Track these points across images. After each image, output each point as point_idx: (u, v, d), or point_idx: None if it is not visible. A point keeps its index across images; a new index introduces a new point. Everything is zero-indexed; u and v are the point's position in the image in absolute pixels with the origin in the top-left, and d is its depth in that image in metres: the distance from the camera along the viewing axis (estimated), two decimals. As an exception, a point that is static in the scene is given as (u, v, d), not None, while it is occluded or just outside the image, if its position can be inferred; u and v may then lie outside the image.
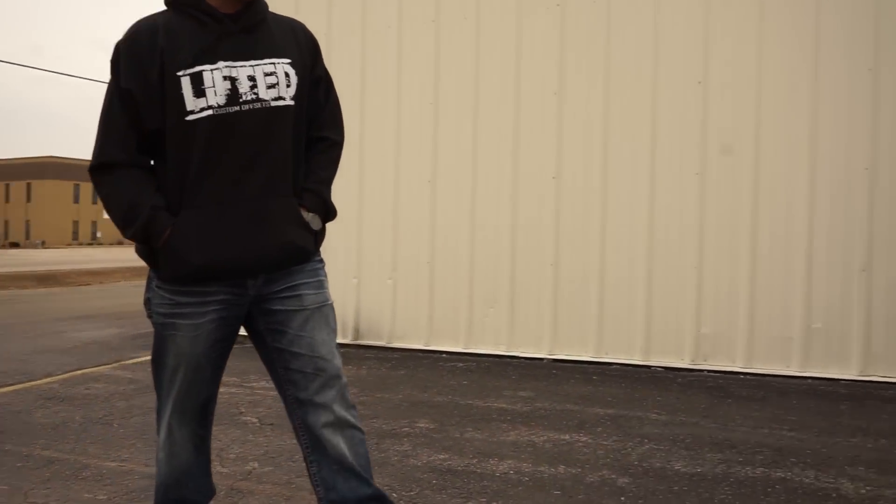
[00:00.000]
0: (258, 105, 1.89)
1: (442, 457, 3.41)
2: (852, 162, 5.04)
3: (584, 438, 3.71)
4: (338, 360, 2.02)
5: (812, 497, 2.96)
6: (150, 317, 2.00)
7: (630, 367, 5.46)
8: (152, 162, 1.94)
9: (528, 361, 5.72)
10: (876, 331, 5.02)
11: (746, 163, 5.25)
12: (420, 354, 6.02)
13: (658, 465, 3.33)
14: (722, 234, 5.32)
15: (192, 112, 1.84)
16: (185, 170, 1.87)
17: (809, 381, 5.05)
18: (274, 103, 1.91)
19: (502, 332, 5.91)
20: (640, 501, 2.89)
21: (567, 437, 3.74)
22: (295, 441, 2.08)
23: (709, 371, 5.32)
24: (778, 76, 5.17)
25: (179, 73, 1.83)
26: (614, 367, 5.49)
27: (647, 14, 5.46)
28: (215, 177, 1.88)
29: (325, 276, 2.08)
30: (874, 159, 4.99)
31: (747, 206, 5.25)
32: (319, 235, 2.07)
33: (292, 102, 1.95)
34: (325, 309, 2.03)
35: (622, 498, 2.93)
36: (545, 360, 5.72)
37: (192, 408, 2.02)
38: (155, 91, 1.85)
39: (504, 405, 4.36)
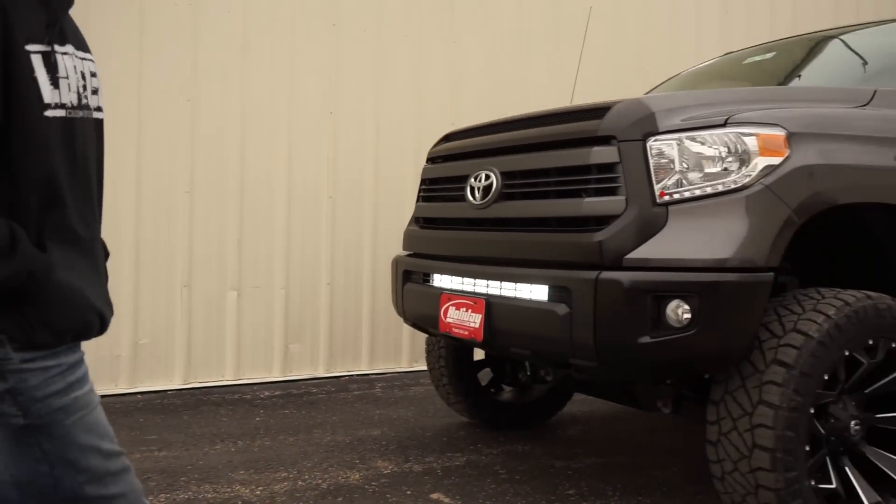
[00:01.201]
0: (87, 114, 1.39)
1: None
2: (174, 186, 5.38)
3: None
4: None
5: (223, 510, 3.18)
6: (20, 417, 1.27)
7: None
8: None
9: None
10: (195, 340, 5.49)
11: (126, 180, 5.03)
12: None
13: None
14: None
15: (48, 106, 1.26)
16: (41, 186, 1.29)
17: (140, 396, 5.18)
18: (95, 114, 1.43)
19: None
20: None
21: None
22: None
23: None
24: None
25: (30, 48, 1.22)
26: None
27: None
28: (69, 202, 1.35)
29: None
30: (191, 183, 5.44)
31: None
32: None
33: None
34: None
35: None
36: None
37: None
38: None
39: None
